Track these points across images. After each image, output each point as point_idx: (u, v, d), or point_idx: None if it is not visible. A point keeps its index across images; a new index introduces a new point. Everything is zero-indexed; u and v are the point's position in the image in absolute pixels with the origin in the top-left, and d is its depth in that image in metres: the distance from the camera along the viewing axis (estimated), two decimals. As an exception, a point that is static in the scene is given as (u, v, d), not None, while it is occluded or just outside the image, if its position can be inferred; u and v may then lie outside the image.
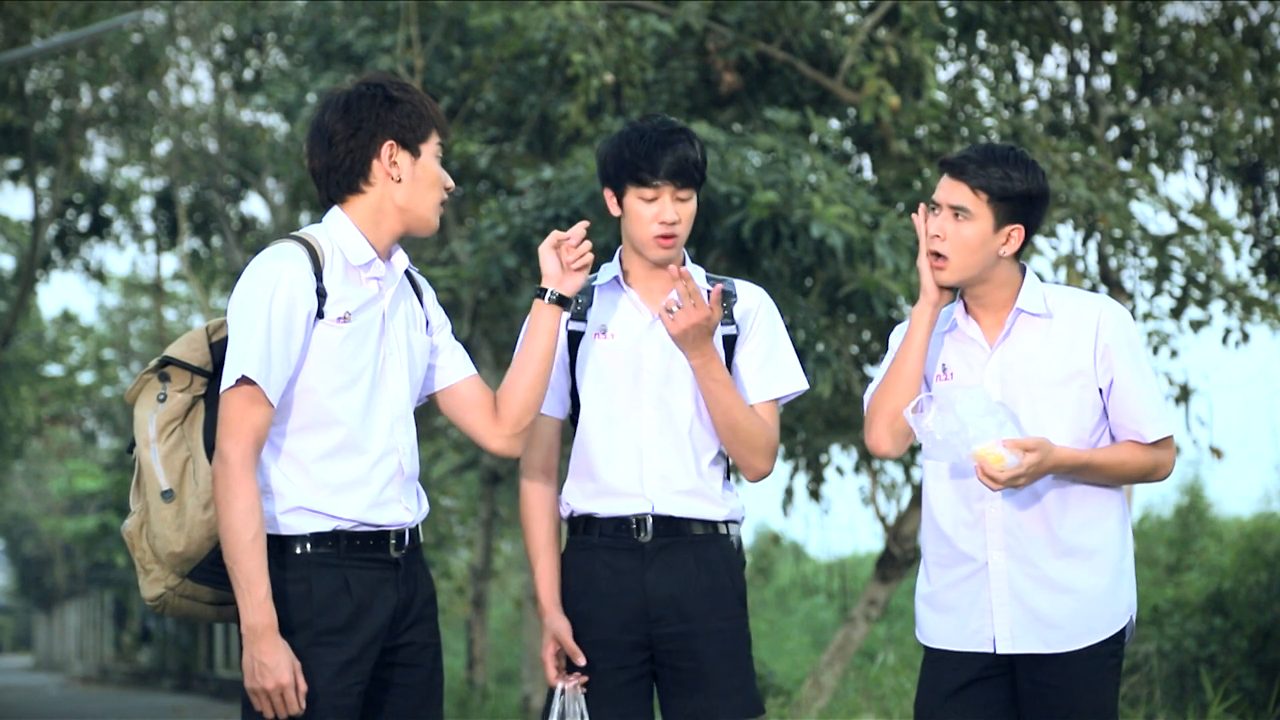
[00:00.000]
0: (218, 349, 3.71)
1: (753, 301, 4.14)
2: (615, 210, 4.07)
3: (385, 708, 3.73)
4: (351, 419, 3.67)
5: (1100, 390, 3.93)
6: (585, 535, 4.07)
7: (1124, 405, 3.93)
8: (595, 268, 4.12)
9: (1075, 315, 3.95)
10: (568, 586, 4.08)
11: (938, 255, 3.92)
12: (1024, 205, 3.90)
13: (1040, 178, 3.92)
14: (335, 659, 3.62)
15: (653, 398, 4.04)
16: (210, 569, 3.67)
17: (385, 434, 3.71)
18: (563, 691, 3.97)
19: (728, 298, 4.12)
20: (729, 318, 4.11)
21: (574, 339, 4.09)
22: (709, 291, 4.04)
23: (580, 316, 4.09)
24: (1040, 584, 3.92)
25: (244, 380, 3.57)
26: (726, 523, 4.09)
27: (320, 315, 3.65)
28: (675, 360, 4.05)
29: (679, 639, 4.01)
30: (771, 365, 4.12)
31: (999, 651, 3.93)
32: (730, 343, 4.11)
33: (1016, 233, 3.91)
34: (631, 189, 4.01)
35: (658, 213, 4.00)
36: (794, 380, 4.12)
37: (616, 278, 4.12)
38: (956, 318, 4.02)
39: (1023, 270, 4.00)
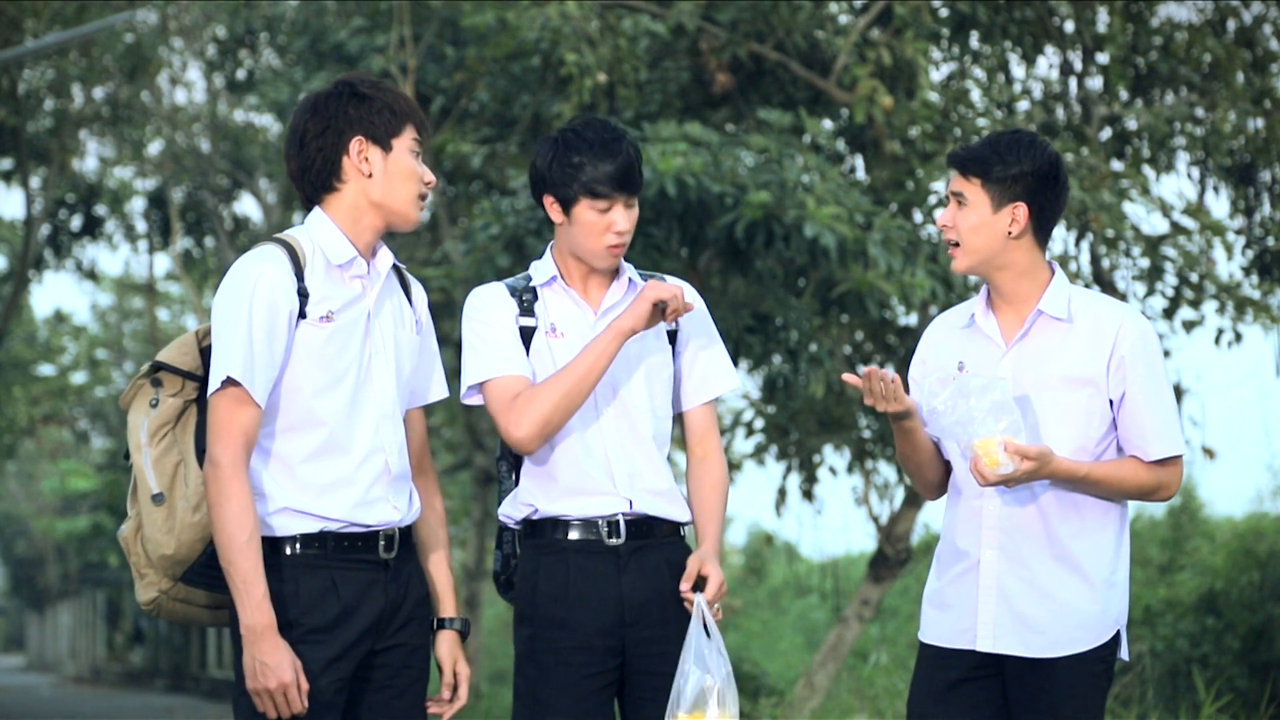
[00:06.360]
0: (208, 353, 3.69)
1: (688, 297, 4.09)
2: (558, 218, 4.00)
3: (374, 709, 3.72)
4: (335, 418, 3.66)
5: (1111, 401, 3.91)
6: (552, 538, 3.99)
7: (1132, 420, 3.91)
8: (526, 265, 4.06)
9: (1096, 323, 3.93)
10: (536, 589, 4.00)
11: (954, 244, 3.96)
12: (1020, 184, 3.90)
13: (1038, 156, 3.91)
14: (320, 655, 3.62)
15: (607, 396, 4.00)
16: (203, 571, 3.66)
17: (370, 433, 3.70)
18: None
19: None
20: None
21: (525, 334, 4.02)
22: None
23: (529, 311, 4.04)
24: (1029, 586, 3.92)
25: (229, 382, 3.57)
26: (689, 524, 4.07)
27: (303, 315, 3.64)
28: (627, 358, 4.01)
29: (655, 643, 3.97)
30: (713, 363, 4.12)
31: (978, 649, 3.93)
32: (671, 337, 4.08)
33: (1019, 211, 3.90)
34: (584, 199, 3.96)
35: (611, 223, 3.96)
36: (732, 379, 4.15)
37: (555, 277, 4.06)
38: (976, 313, 4.02)
39: (1052, 269, 3.99)
